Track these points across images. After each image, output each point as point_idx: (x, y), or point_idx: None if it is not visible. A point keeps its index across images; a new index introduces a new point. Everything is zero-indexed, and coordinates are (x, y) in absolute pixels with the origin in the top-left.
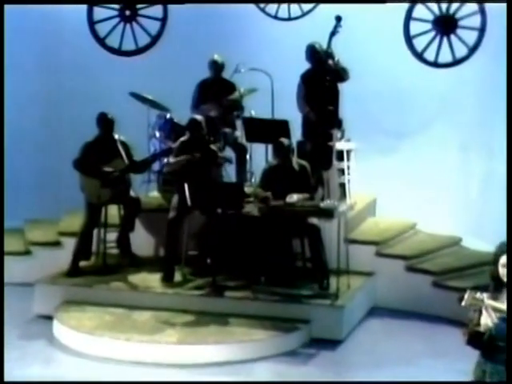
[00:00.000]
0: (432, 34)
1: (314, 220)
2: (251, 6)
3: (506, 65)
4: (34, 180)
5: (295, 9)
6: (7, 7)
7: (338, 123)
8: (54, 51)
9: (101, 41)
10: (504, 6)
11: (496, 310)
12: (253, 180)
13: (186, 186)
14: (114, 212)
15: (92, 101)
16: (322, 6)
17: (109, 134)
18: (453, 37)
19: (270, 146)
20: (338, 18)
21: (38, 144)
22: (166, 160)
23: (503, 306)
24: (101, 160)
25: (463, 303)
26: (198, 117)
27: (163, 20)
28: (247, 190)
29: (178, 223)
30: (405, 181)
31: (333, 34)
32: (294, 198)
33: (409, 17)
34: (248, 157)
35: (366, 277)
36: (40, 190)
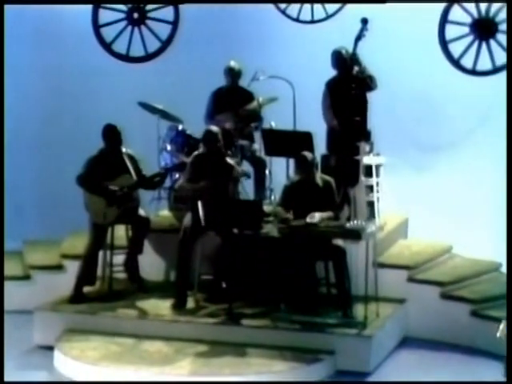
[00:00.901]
0: (470, 38)
1: (339, 242)
2: (270, 8)
3: (506, 65)
4: (33, 198)
5: (319, 11)
6: (7, 9)
7: (365, 135)
8: (55, 58)
9: (107, 46)
10: None
11: None
12: (272, 197)
13: (199, 203)
14: (121, 233)
15: (97, 112)
16: (348, 8)
17: (115, 148)
18: (492, 42)
19: (291, 161)
20: (365, 21)
21: (38, 158)
22: (177, 176)
23: None
24: (107, 176)
25: (498, 334)
26: (214, 128)
27: (174, 23)
28: (266, 208)
29: (190, 245)
30: (439, 199)
31: (359, 38)
32: (315, 217)
33: (444, 19)
34: (267, 172)
35: (396, 304)
36: (40, 208)
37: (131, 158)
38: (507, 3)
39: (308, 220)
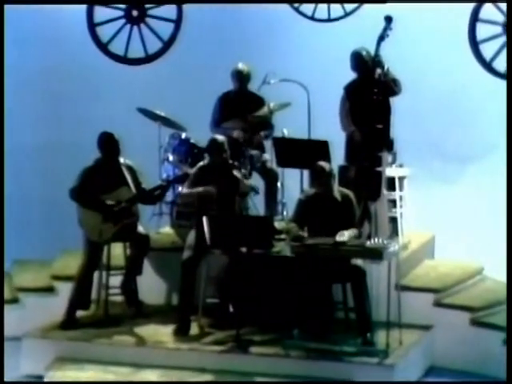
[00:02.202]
0: (503, 39)
1: (358, 262)
2: (283, 5)
3: (506, 65)
4: (22, 213)
5: (336, 8)
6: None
7: (388, 145)
8: (52, 60)
9: (103, 46)
10: None
11: None
12: (285, 213)
13: (204, 220)
14: (118, 251)
15: (92, 118)
16: (368, 5)
17: (113, 158)
18: None
19: (305, 172)
20: (388, 19)
21: (29, 170)
22: (180, 188)
23: None
24: (103, 189)
25: None
26: (220, 137)
27: (177, 22)
28: (278, 224)
29: (194, 265)
30: (469, 215)
31: (382, 38)
32: (344, 235)
33: (475, 18)
34: (279, 185)
35: (422, 331)
36: (30, 224)
37: (130, 169)
38: (507, 3)
39: (337, 239)
